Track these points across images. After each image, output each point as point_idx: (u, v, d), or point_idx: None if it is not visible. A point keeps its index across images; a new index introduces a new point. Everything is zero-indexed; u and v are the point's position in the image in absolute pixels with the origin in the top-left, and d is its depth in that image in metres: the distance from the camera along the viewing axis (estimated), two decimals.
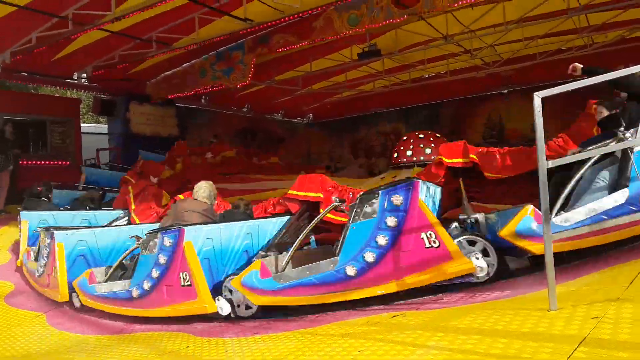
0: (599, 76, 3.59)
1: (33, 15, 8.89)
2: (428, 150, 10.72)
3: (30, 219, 7.86)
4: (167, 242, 4.95)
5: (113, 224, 7.81)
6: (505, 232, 4.12)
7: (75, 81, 13.08)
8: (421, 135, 11.45)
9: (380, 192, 4.25)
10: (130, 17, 9.00)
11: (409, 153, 10.90)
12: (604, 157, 4.02)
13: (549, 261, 2.88)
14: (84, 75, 12.85)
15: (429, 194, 4.47)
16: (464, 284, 4.14)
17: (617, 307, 2.71)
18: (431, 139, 11.30)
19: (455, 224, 4.59)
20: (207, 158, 12.98)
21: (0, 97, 13.12)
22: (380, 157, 18.41)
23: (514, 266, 4.33)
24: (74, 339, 5.19)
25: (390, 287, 4.13)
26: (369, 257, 4.14)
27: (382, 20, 9.69)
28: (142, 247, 5.30)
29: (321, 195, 5.98)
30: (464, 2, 9.06)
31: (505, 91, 16.23)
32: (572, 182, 3.97)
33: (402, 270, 4.07)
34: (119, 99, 13.81)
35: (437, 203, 4.78)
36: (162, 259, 4.99)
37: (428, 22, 11.02)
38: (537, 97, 2.98)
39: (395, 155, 11.33)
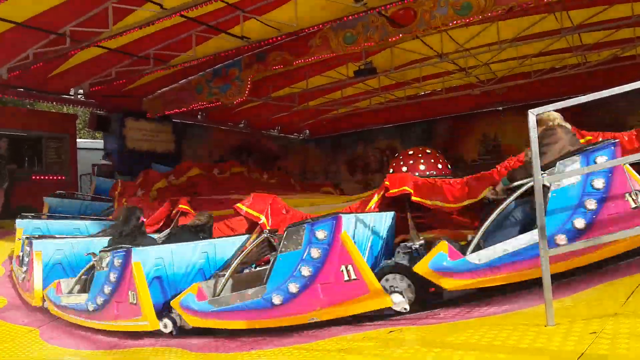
0: (591, 95, 3.64)
1: (30, 32, 8.94)
2: (422, 167, 10.76)
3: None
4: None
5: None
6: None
7: (72, 97, 13.12)
8: (411, 152, 11.51)
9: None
10: (128, 35, 9.06)
11: (405, 169, 10.92)
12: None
13: (546, 277, 2.88)
14: (81, 91, 12.89)
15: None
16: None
17: (614, 323, 2.71)
18: (419, 155, 11.34)
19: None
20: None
21: None
22: (376, 173, 18.46)
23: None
24: (68, 353, 5.13)
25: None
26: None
27: (378, 39, 9.81)
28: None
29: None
30: (458, 22, 9.19)
31: (501, 108, 16.36)
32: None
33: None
34: (115, 115, 13.83)
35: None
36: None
37: (423, 40, 11.14)
38: (532, 115, 3.01)
39: (391, 171, 11.35)
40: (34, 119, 13.41)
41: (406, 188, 5.48)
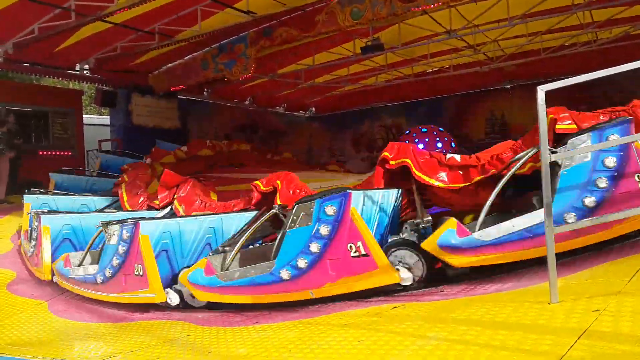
0: (603, 70, 3.59)
1: (36, 6, 8.88)
2: (439, 145, 10.87)
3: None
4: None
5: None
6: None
7: (78, 72, 13.08)
8: (424, 130, 11.51)
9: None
10: (133, 9, 8.99)
11: (421, 146, 11.02)
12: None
13: (550, 254, 2.89)
14: (86, 66, 12.84)
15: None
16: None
17: (618, 301, 2.72)
18: (434, 132, 11.35)
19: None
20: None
21: (3, 87, 13.12)
22: (381, 151, 18.38)
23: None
24: (76, 326, 5.22)
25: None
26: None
27: (385, 14, 9.67)
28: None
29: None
30: None
31: (509, 86, 16.19)
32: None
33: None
34: (121, 91, 13.79)
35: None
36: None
37: (432, 16, 10.98)
38: (541, 91, 2.98)
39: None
40: (40, 94, 13.44)
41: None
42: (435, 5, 9.41)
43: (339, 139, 20.21)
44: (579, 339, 2.29)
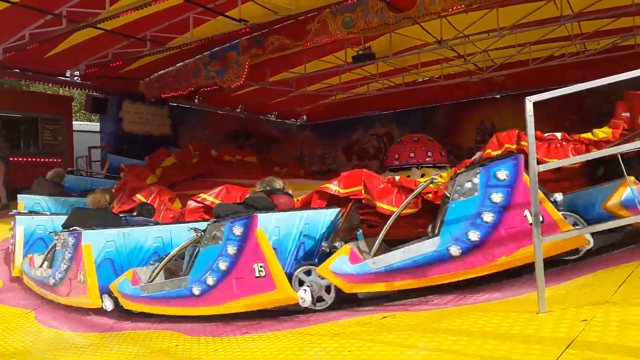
0: (591, 81, 3.63)
1: (26, 12, 8.81)
2: (430, 154, 11.00)
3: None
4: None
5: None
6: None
7: (68, 79, 13.00)
8: (415, 139, 11.58)
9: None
10: (125, 16, 8.95)
11: (412, 155, 11.19)
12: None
13: (539, 265, 2.90)
14: (77, 72, 12.78)
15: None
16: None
17: (605, 310, 2.73)
18: (425, 142, 11.43)
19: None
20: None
21: None
22: (372, 160, 18.46)
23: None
24: (63, 336, 5.16)
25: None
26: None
27: (377, 24, 9.73)
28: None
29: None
30: (458, 7, 9.12)
31: (498, 96, 16.33)
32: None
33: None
34: (112, 98, 13.72)
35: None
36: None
37: (422, 26, 11.07)
38: (529, 102, 3.01)
39: (396, 156, 11.52)
40: (29, 101, 13.34)
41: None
42: (427, 15, 9.49)
43: (330, 147, 20.25)
44: (567, 348, 2.30)
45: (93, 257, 5.36)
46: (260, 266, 4.32)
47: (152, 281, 5.08)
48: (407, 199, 4.69)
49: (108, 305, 5.37)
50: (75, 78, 13.00)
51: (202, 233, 4.92)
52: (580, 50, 12.65)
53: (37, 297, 6.38)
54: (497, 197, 3.86)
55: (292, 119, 20.25)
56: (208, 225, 4.77)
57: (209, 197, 6.79)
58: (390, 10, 9.51)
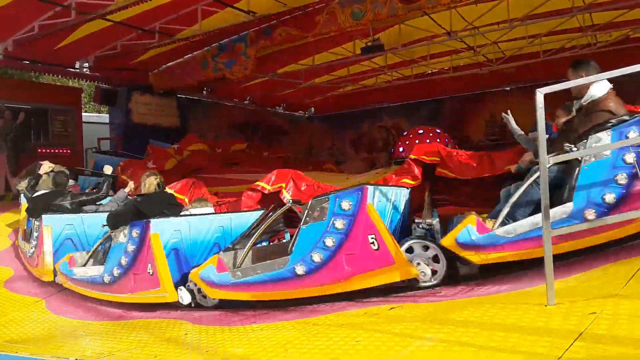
0: (602, 73, 3.60)
1: (36, 4, 8.85)
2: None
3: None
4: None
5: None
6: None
7: (77, 70, 13.04)
8: (421, 131, 11.54)
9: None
10: (133, 7, 8.97)
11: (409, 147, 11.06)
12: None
13: (548, 257, 2.89)
14: (86, 64, 12.82)
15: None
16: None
17: (615, 304, 2.72)
18: (431, 134, 11.38)
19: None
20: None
21: (2, 84, 13.11)
22: (381, 152, 18.41)
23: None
24: (74, 324, 5.22)
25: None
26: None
27: (386, 15, 9.67)
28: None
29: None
30: None
31: (508, 88, 16.20)
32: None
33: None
34: (121, 89, 13.78)
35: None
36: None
37: (432, 17, 10.99)
38: (540, 94, 2.98)
39: (401, 149, 11.47)
40: (40, 92, 13.42)
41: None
42: (437, 6, 9.42)
43: (338, 139, 20.22)
44: (575, 341, 2.29)
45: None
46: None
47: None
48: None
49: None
50: (85, 70, 13.04)
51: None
52: (591, 42, 12.51)
53: (47, 286, 6.45)
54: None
55: (301, 111, 20.22)
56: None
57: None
58: (400, 1, 9.43)
